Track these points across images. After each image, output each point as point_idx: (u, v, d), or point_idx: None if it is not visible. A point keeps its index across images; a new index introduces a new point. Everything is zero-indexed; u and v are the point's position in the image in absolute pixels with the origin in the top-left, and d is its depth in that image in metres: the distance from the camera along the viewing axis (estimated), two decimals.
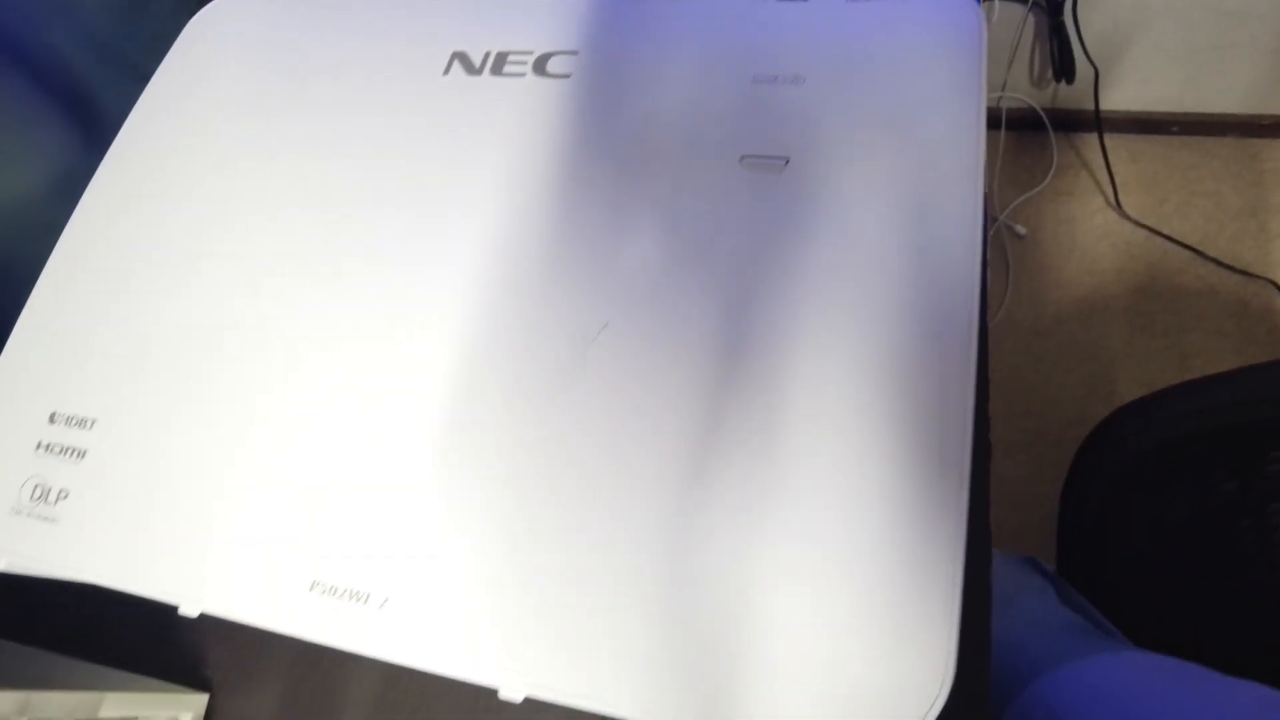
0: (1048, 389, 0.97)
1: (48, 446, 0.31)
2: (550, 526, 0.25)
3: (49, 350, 0.33)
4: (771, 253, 0.28)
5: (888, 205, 0.28)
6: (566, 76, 0.33)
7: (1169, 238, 1.01)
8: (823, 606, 0.22)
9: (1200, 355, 0.94)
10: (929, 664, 0.21)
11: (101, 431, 0.31)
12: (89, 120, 0.49)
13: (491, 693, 0.34)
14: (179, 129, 0.37)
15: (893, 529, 0.23)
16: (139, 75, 0.40)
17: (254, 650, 0.39)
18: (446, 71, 0.34)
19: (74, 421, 0.31)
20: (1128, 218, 1.03)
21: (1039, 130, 1.07)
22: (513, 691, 0.24)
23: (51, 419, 0.31)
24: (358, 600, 0.26)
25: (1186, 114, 1.04)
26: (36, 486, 0.30)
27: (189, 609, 0.28)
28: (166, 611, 0.40)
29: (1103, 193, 1.05)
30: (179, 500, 0.29)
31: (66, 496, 0.30)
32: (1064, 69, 0.95)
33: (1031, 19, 0.94)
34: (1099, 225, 1.04)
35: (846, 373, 0.25)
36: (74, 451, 0.30)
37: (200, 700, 0.38)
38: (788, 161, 0.29)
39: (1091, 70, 0.96)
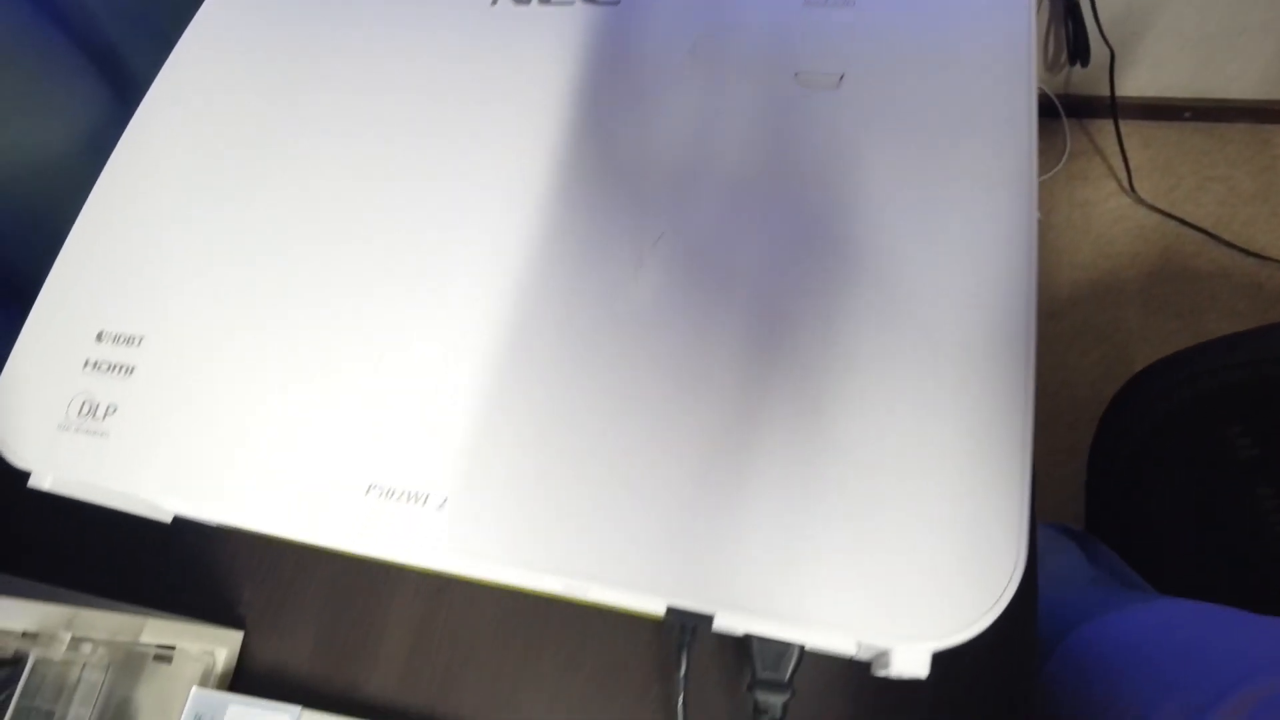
0: (1063, 371, 0.97)
1: (95, 364, 0.31)
2: (611, 423, 0.25)
3: (95, 272, 0.33)
4: (828, 166, 0.28)
5: (941, 130, 0.28)
6: (615, 3, 0.33)
7: (1183, 221, 1.01)
8: (901, 495, 0.22)
9: (1215, 336, 0.94)
10: (1004, 544, 0.21)
11: (149, 348, 0.30)
12: (119, 80, 0.49)
13: (524, 642, 0.34)
14: (216, 67, 0.36)
15: (966, 423, 0.23)
16: (166, 42, 0.40)
17: (286, 591, 0.39)
18: (494, 2, 0.34)
19: (121, 339, 0.31)
20: (1142, 202, 1.04)
21: (1052, 116, 1.07)
22: (581, 588, 0.24)
23: (99, 337, 0.31)
24: (416, 501, 0.25)
25: (1200, 99, 1.04)
26: (85, 403, 0.30)
27: (243, 522, 0.28)
28: (198, 554, 0.40)
29: (1116, 177, 1.05)
30: (230, 412, 0.29)
31: (115, 411, 0.30)
32: (1078, 51, 0.95)
33: (1046, 2, 0.95)
34: (1113, 209, 1.04)
35: (910, 276, 0.25)
36: (122, 368, 0.30)
37: (235, 637, 0.38)
38: (842, 77, 0.29)
39: (1106, 52, 0.96)
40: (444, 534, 0.25)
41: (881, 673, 0.24)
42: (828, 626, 0.21)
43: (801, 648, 0.27)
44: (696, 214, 0.28)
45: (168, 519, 0.38)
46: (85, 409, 0.30)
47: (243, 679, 0.38)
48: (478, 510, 0.25)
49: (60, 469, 0.30)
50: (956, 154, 0.27)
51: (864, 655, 0.26)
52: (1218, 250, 0.99)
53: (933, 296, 0.25)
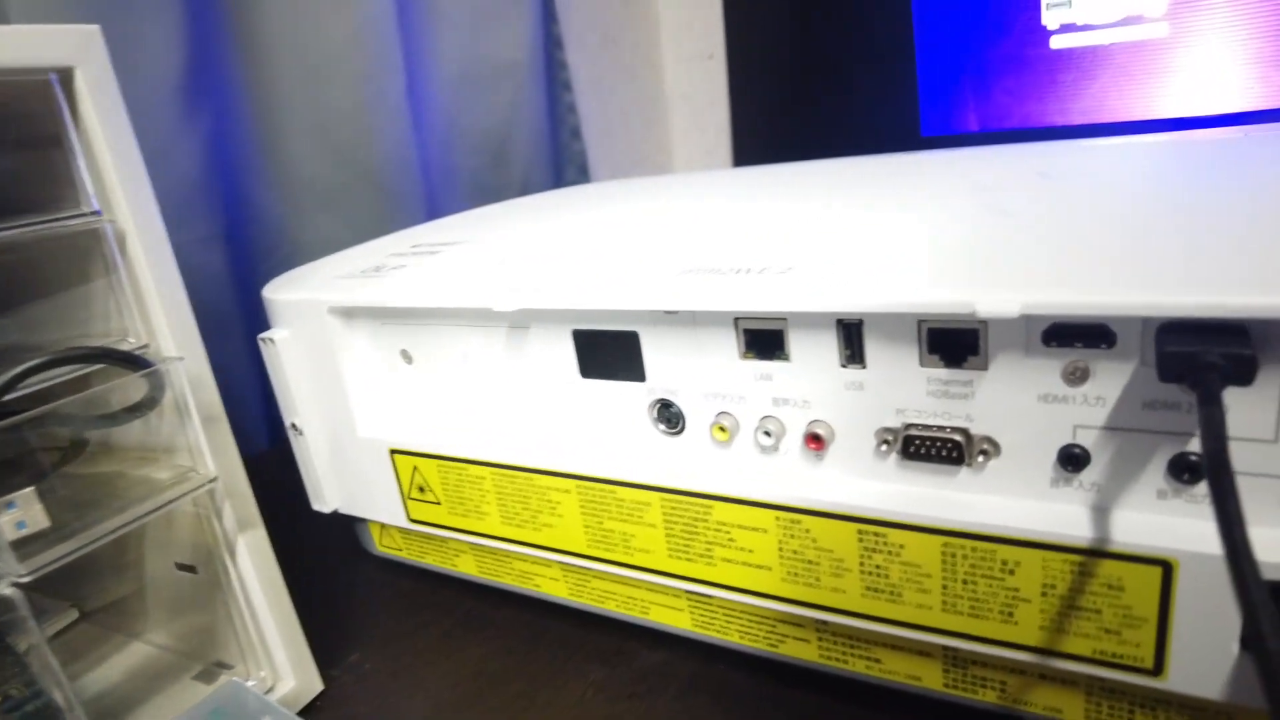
0: None
1: (399, 255, 0.30)
2: None
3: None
4: None
5: None
6: None
7: None
8: None
9: None
10: None
11: (469, 245, 0.29)
12: None
13: None
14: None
15: None
16: None
17: (413, 659, 0.27)
18: None
19: (440, 245, 0.30)
20: None
21: None
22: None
23: (414, 247, 0.31)
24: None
25: None
26: (371, 266, 0.28)
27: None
28: (330, 580, 0.30)
29: None
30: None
31: (401, 269, 0.27)
32: None
33: None
34: None
35: None
36: (436, 254, 0.29)
37: (313, 684, 0.25)
38: None
39: None
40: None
41: None
42: None
43: None
44: None
45: (328, 507, 0.30)
46: (367, 270, 0.28)
47: None
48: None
49: (315, 295, 0.26)
50: None
51: None
52: None
53: None
